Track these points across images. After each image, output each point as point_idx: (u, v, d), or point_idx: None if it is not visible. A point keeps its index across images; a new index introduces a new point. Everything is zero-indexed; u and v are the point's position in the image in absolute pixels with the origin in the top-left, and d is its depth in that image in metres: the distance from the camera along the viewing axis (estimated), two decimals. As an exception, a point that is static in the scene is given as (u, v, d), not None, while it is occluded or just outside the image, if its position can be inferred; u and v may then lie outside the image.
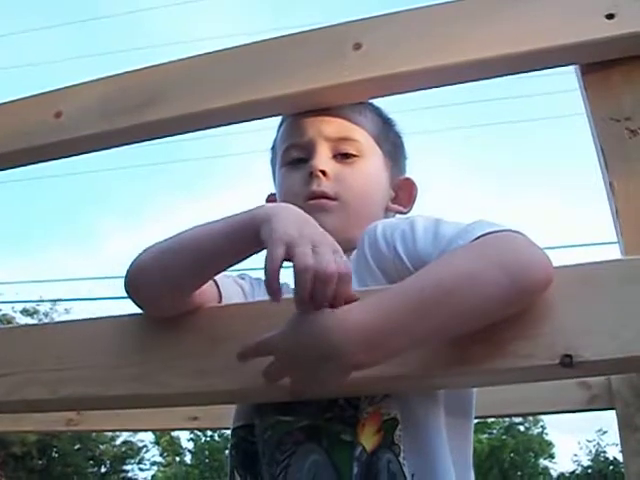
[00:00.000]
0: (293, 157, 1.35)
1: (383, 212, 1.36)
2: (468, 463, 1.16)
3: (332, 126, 1.34)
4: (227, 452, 1.24)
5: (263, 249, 0.99)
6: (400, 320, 0.94)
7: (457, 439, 1.13)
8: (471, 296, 0.94)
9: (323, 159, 1.31)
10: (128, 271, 1.13)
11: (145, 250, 1.14)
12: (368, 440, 1.09)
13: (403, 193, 1.40)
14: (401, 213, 1.38)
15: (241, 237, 1.05)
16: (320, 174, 1.29)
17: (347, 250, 1.20)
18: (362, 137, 1.35)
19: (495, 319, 0.95)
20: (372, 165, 1.35)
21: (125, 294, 1.14)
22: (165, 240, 1.14)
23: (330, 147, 1.33)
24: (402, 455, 1.07)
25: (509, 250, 0.99)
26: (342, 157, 1.33)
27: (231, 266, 1.11)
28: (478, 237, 1.02)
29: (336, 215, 1.28)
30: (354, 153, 1.33)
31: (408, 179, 1.42)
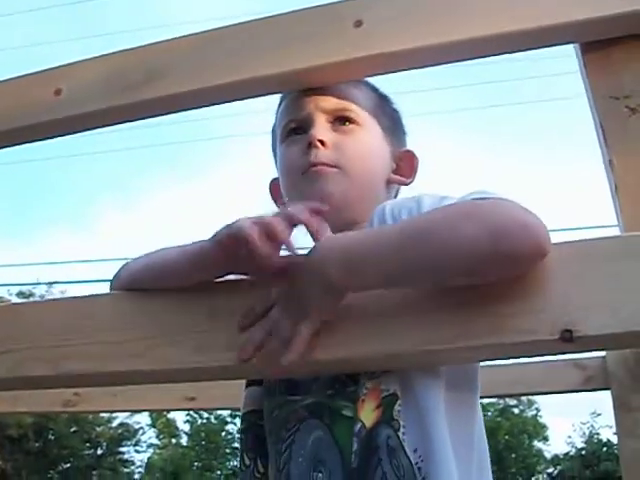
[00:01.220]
0: (291, 128, 1.36)
1: (385, 184, 1.37)
2: (472, 440, 1.15)
3: (329, 99, 1.34)
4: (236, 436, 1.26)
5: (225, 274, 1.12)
6: (376, 249, 0.99)
7: (460, 415, 1.13)
8: (448, 243, 0.96)
9: (321, 129, 1.31)
10: (110, 283, 1.24)
11: (123, 266, 1.24)
12: (367, 416, 1.10)
13: (404, 165, 1.40)
14: (403, 184, 1.39)
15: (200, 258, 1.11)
16: (318, 143, 1.29)
17: (352, 226, 1.21)
18: (359, 109, 1.35)
19: (474, 278, 0.96)
20: (371, 135, 1.35)
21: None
22: (139, 257, 1.23)
23: (328, 119, 1.33)
24: (402, 430, 1.08)
25: (497, 213, 0.96)
26: (340, 125, 1.33)
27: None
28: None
29: (337, 182, 1.28)
30: (353, 120, 1.33)
31: (409, 151, 1.42)
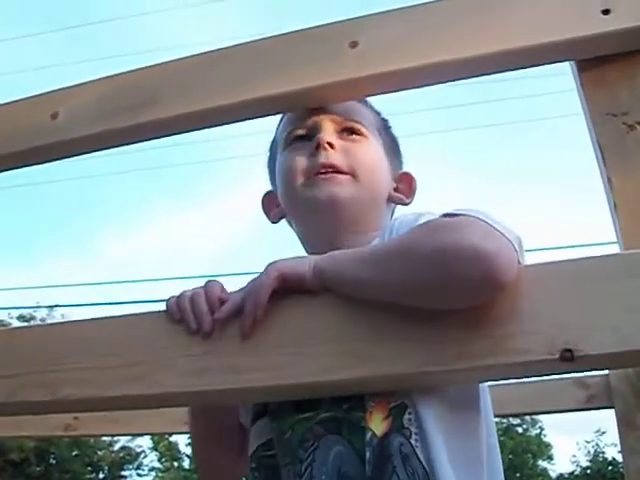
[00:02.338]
0: (296, 135, 1.35)
1: (386, 201, 1.37)
2: (480, 457, 1.12)
3: (337, 110, 1.34)
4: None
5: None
6: (351, 264, 1.06)
7: (464, 432, 1.11)
8: (403, 268, 0.99)
9: (330, 134, 1.30)
10: None
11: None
12: (377, 425, 1.09)
13: (403, 186, 1.40)
14: (403, 203, 1.39)
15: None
16: (328, 146, 1.28)
17: (356, 234, 1.22)
18: (366, 121, 1.36)
19: (430, 302, 0.98)
20: (375, 149, 1.36)
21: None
22: None
23: (336, 128, 1.33)
24: (414, 437, 1.07)
25: (453, 238, 0.95)
26: (348, 135, 1.33)
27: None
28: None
29: (350, 187, 1.28)
30: (360, 132, 1.34)
31: (407, 173, 1.43)
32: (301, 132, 1.34)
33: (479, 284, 0.93)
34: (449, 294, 0.96)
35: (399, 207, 1.42)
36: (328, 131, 1.31)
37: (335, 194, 1.27)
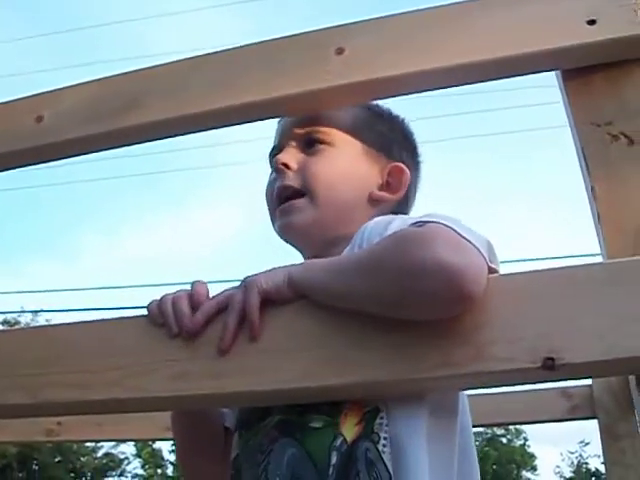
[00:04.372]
0: (272, 154, 1.39)
1: (367, 201, 1.35)
2: (452, 462, 1.12)
3: (296, 122, 1.36)
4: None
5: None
6: (323, 274, 1.06)
7: (442, 437, 1.11)
8: (371, 281, 0.99)
9: (288, 153, 1.34)
10: None
11: None
12: (349, 431, 1.08)
13: (393, 179, 1.38)
14: (388, 200, 1.37)
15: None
16: (282, 167, 1.32)
17: (338, 245, 1.22)
18: (331, 129, 1.35)
19: (407, 315, 0.98)
20: (343, 153, 1.35)
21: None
22: None
23: (297, 143, 1.35)
24: (382, 442, 1.07)
25: (421, 249, 0.95)
26: (308, 147, 1.34)
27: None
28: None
29: (307, 211, 1.30)
30: (320, 140, 1.34)
31: (397, 165, 1.39)
32: (274, 154, 1.39)
33: (447, 298, 0.93)
34: (417, 308, 0.96)
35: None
36: (286, 150, 1.35)
37: (293, 223, 1.32)
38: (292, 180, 1.31)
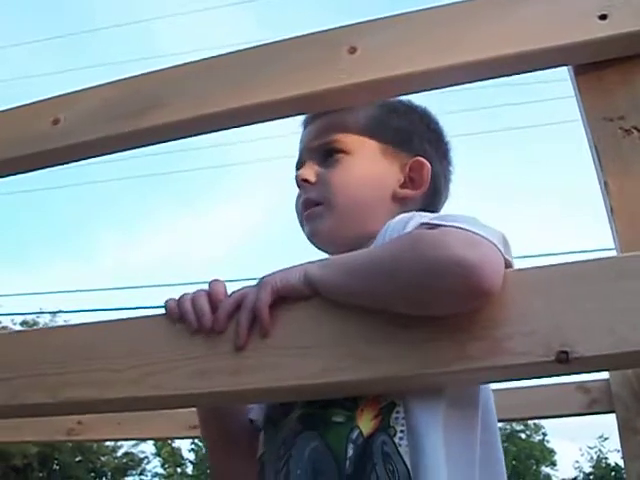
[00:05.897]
0: (295, 177, 1.42)
1: (391, 199, 1.36)
2: (474, 457, 1.12)
3: (313, 135, 1.41)
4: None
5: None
6: (329, 269, 1.09)
7: (462, 430, 1.11)
8: (388, 281, 1.01)
9: (307, 169, 1.38)
10: None
11: None
12: (366, 424, 1.10)
13: (415, 174, 1.38)
14: (411, 197, 1.37)
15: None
16: (304, 183, 1.37)
17: (364, 244, 1.23)
18: (345, 135, 1.37)
19: (425, 312, 0.99)
20: (359, 158, 1.36)
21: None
22: None
23: (316, 154, 1.39)
24: (398, 436, 1.08)
25: (437, 247, 0.96)
26: (326, 158, 1.37)
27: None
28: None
29: (326, 218, 1.34)
30: (336, 150, 1.36)
31: (417, 160, 1.38)
32: (297, 167, 1.44)
33: (466, 294, 0.94)
34: (437, 305, 0.98)
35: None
36: (306, 166, 1.39)
37: (315, 229, 1.37)
38: (312, 193, 1.36)
